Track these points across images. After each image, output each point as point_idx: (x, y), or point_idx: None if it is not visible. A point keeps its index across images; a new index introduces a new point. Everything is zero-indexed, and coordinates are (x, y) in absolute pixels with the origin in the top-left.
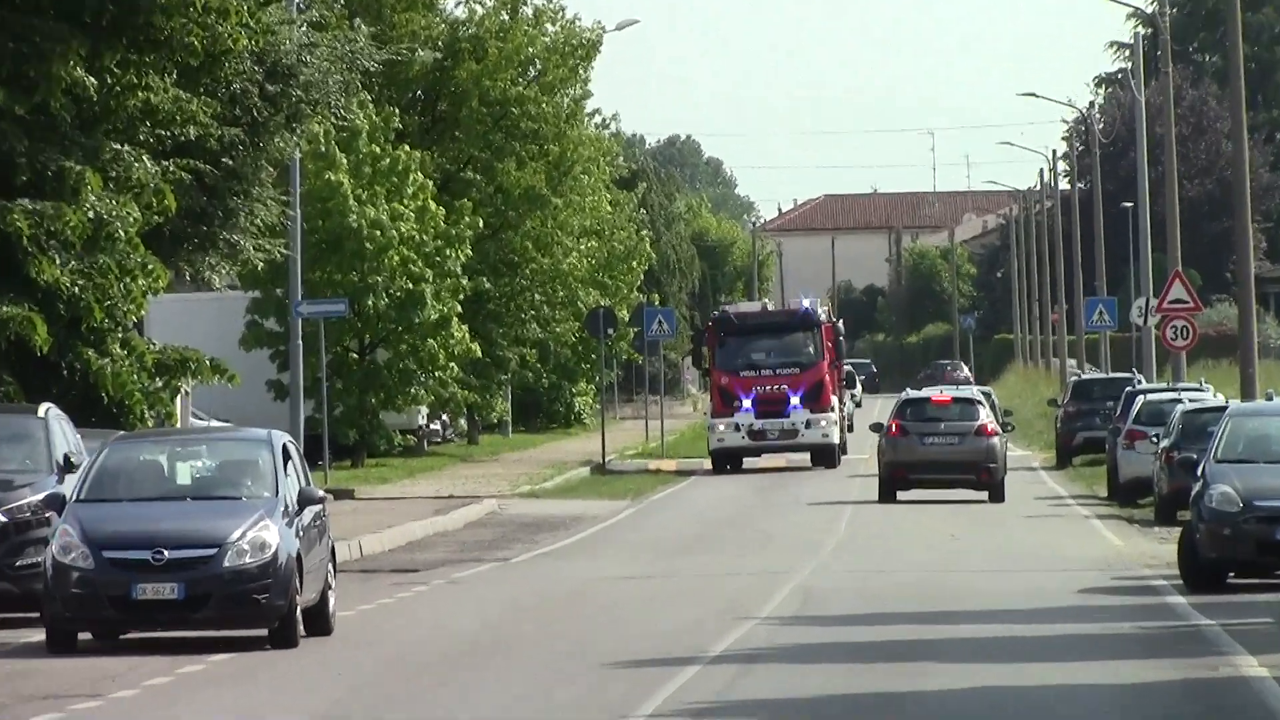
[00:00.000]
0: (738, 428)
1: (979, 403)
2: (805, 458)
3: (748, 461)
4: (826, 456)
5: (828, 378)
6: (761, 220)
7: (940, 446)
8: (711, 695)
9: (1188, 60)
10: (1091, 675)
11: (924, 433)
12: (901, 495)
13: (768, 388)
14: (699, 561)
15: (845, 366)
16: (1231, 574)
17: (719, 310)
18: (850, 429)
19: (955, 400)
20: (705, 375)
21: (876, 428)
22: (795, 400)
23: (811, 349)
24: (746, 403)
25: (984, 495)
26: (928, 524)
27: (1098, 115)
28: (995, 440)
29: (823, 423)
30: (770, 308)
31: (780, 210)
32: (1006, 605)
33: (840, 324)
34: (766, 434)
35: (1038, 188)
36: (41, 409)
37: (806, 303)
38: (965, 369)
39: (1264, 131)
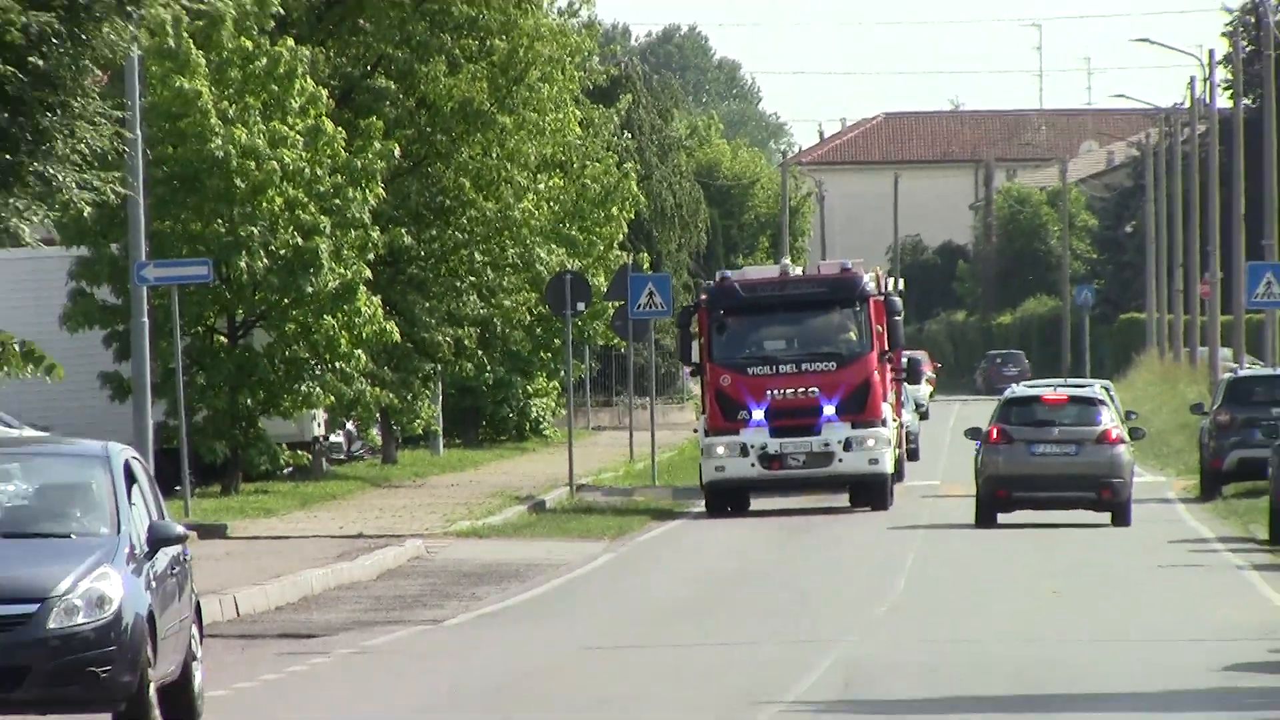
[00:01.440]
0: (745, 450)
1: (1101, 402)
2: (842, 496)
3: (758, 501)
4: (874, 493)
5: (877, 376)
6: (797, 149)
7: (1053, 457)
8: None
9: None
10: None
11: (1033, 439)
12: (1003, 518)
13: (788, 391)
14: (702, 627)
15: (906, 356)
16: None
17: (718, 277)
18: (913, 454)
19: (1072, 400)
20: (697, 373)
21: (974, 433)
22: (829, 410)
23: (854, 334)
24: (758, 413)
25: (1105, 518)
26: (1021, 577)
27: (1273, 2)
28: (1121, 449)
29: (870, 442)
30: (793, 273)
31: (822, 135)
32: (1124, 688)
33: (898, 298)
34: (787, 460)
35: (1186, 105)
36: None
37: (845, 265)
38: (1025, 361)
39: None
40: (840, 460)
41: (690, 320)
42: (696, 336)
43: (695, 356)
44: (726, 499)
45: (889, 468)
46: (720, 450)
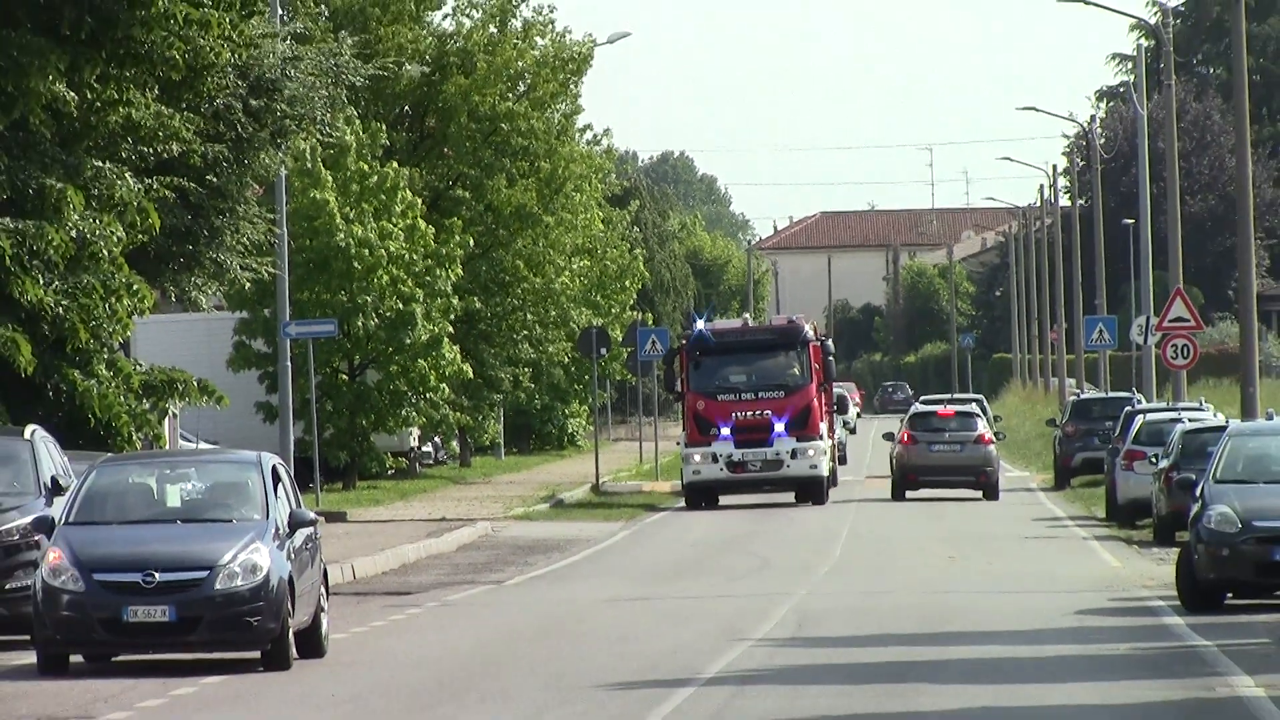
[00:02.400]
0: (715, 458)
1: (978, 415)
2: (789, 495)
3: (725, 499)
4: (814, 491)
5: (816, 402)
6: (757, 238)
7: (945, 453)
8: (706, 717)
9: (1191, 72)
10: (1087, 696)
11: (931, 441)
12: (910, 495)
13: (748, 413)
14: (694, 584)
15: (837, 389)
16: (1229, 595)
17: (692, 326)
18: (843, 460)
19: (958, 413)
20: (678, 400)
21: (889, 436)
22: (780, 427)
23: (797, 369)
24: (725, 430)
25: (979, 495)
26: (925, 545)
27: (1099, 130)
28: (991, 448)
29: (810, 452)
30: (751, 324)
31: (776, 228)
32: (1003, 626)
33: (830, 342)
34: (747, 465)
35: (1038, 204)
36: (27, 431)
37: (791, 319)
38: (908, 389)
39: (1268, 146)
40: (788, 466)
41: (674, 359)
42: (679, 372)
43: (678, 387)
44: (701, 496)
45: (825, 471)
46: (696, 458)
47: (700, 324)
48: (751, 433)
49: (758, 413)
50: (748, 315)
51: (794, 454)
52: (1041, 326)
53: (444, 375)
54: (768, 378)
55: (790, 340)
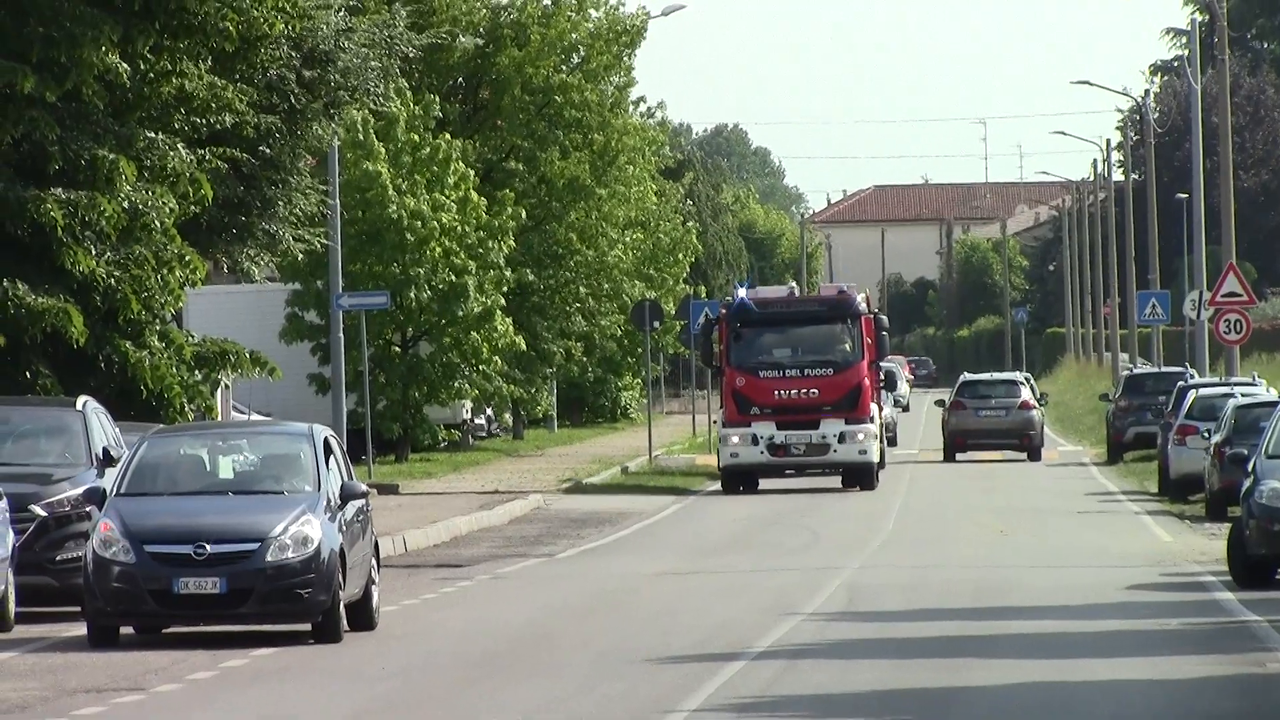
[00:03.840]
0: (755, 440)
1: (1021, 383)
2: (835, 479)
3: (765, 483)
4: (863, 477)
5: (867, 380)
6: (810, 211)
7: (991, 418)
8: (756, 690)
9: (1245, 47)
10: (1138, 671)
11: (979, 407)
12: (960, 457)
13: (793, 391)
14: (744, 558)
15: (887, 365)
16: None
17: (734, 295)
18: (892, 440)
19: (1002, 381)
20: (717, 375)
21: (940, 403)
22: (827, 408)
23: (848, 345)
24: (767, 409)
25: (1023, 456)
26: (978, 520)
27: (1153, 104)
28: (1034, 413)
29: (860, 436)
30: (798, 293)
31: (829, 201)
32: (1054, 601)
33: (884, 316)
34: (790, 448)
35: (1091, 179)
36: (79, 402)
37: (842, 288)
38: (931, 365)
39: None
40: (835, 450)
41: (713, 330)
42: (718, 344)
43: (717, 361)
44: (739, 480)
45: (875, 457)
46: (735, 439)
47: (742, 292)
48: (796, 413)
49: (803, 391)
50: (794, 284)
51: (841, 437)
52: (1095, 301)
53: (497, 348)
54: (815, 353)
55: (841, 312)
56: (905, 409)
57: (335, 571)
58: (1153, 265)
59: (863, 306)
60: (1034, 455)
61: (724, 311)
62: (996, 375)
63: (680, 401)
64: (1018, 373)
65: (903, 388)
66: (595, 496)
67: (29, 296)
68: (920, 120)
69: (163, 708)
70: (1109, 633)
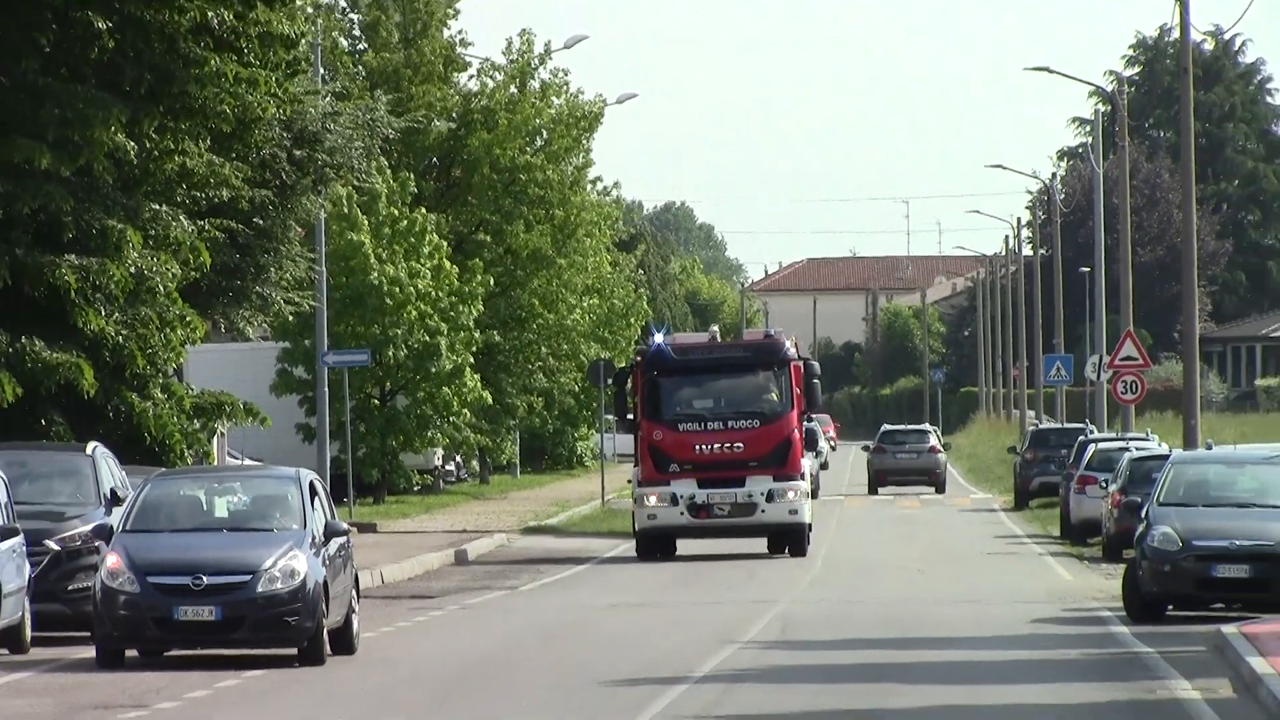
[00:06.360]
0: (675, 499)
1: (930, 431)
2: (761, 543)
3: (684, 545)
4: (793, 540)
5: (797, 433)
6: (750, 281)
7: (906, 459)
8: (697, 711)
9: (1144, 135)
10: (1041, 697)
11: (896, 450)
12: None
13: (716, 446)
14: (688, 592)
15: (807, 424)
16: (1170, 607)
17: (651, 340)
18: (814, 494)
19: (914, 430)
20: (632, 428)
21: (866, 448)
22: (753, 464)
23: (775, 394)
24: (687, 466)
25: (931, 490)
26: (899, 561)
27: (1059, 186)
28: (940, 455)
29: (790, 494)
30: (720, 339)
31: (767, 272)
32: (966, 633)
33: (815, 364)
34: (714, 509)
35: (1003, 253)
36: (89, 447)
37: (769, 332)
38: (827, 419)
39: (1211, 203)
40: (763, 510)
41: (626, 379)
42: (632, 395)
43: (631, 413)
44: (656, 546)
45: (807, 517)
46: (652, 500)
47: (659, 337)
48: (719, 470)
49: (727, 446)
50: (715, 328)
51: (770, 496)
52: (1005, 363)
53: (466, 401)
54: (740, 403)
55: (767, 358)
56: (825, 466)
57: (319, 601)
58: (1057, 331)
59: (791, 352)
60: (940, 489)
61: (639, 359)
62: (910, 426)
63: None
64: (927, 424)
65: (824, 445)
66: (553, 537)
67: (44, 352)
68: (849, 199)
69: None
70: (1015, 661)
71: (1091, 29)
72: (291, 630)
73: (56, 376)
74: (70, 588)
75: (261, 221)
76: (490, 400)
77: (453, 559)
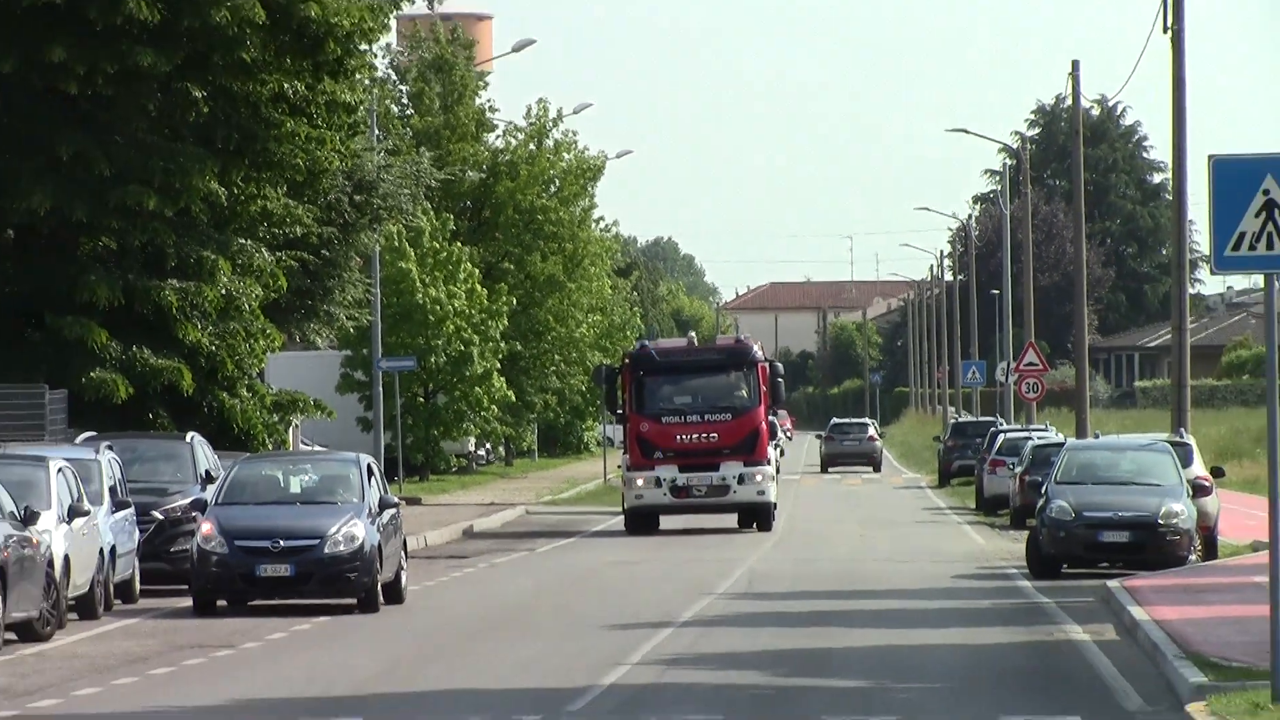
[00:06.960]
0: (659, 482)
1: (869, 424)
2: (733, 518)
3: (666, 521)
4: (761, 516)
5: (764, 425)
6: (723, 301)
7: (850, 445)
8: (681, 649)
9: (1043, 184)
10: (958, 638)
11: (842, 438)
12: (831, 471)
13: (694, 436)
14: (674, 552)
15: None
16: (1065, 566)
17: (637, 345)
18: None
19: (856, 423)
20: (621, 421)
21: (819, 437)
22: (726, 451)
23: (745, 391)
24: (669, 453)
25: (869, 470)
26: (845, 528)
27: (974, 225)
28: (878, 443)
29: (758, 477)
30: (696, 343)
31: (737, 294)
32: (898, 586)
33: (779, 365)
34: (692, 490)
35: (929, 279)
36: (188, 436)
37: (739, 337)
38: (786, 414)
39: (1098, 238)
40: (735, 491)
41: (616, 379)
42: (621, 391)
43: (620, 407)
44: (643, 521)
45: (772, 497)
46: (640, 482)
47: (644, 342)
48: (697, 456)
49: (704, 436)
50: (693, 333)
51: (741, 479)
52: (931, 368)
53: (494, 399)
54: (714, 399)
55: (738, 360)
56: (782, 454)
57: (374, 560)
58: (973, 342)
59: (759, 355)
60: (877, 469)
61: (627, 361)
62: (853, 419)
63: None
64: (868, 418)
65: (781, 437)
66: (565, 508)
67: (151, 359)
68: (805, 234)
69: (248, 659)
70: (939, 609)
71: (1001, 97)
72: (352, 584)
73: (161, 379)
74: (172, 549)
75: (327, 253)
76: (514, 398)
77: (483, 526)
